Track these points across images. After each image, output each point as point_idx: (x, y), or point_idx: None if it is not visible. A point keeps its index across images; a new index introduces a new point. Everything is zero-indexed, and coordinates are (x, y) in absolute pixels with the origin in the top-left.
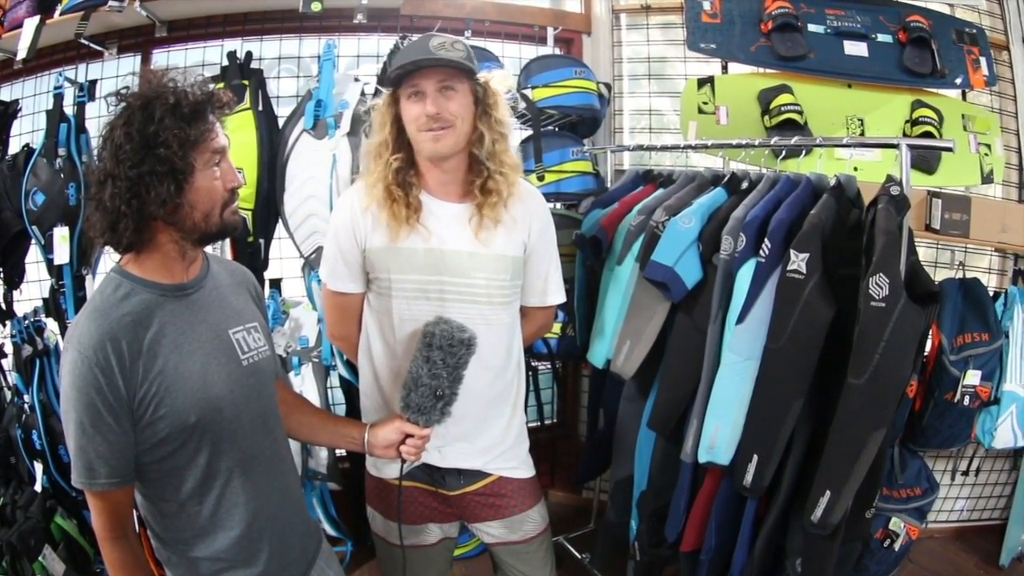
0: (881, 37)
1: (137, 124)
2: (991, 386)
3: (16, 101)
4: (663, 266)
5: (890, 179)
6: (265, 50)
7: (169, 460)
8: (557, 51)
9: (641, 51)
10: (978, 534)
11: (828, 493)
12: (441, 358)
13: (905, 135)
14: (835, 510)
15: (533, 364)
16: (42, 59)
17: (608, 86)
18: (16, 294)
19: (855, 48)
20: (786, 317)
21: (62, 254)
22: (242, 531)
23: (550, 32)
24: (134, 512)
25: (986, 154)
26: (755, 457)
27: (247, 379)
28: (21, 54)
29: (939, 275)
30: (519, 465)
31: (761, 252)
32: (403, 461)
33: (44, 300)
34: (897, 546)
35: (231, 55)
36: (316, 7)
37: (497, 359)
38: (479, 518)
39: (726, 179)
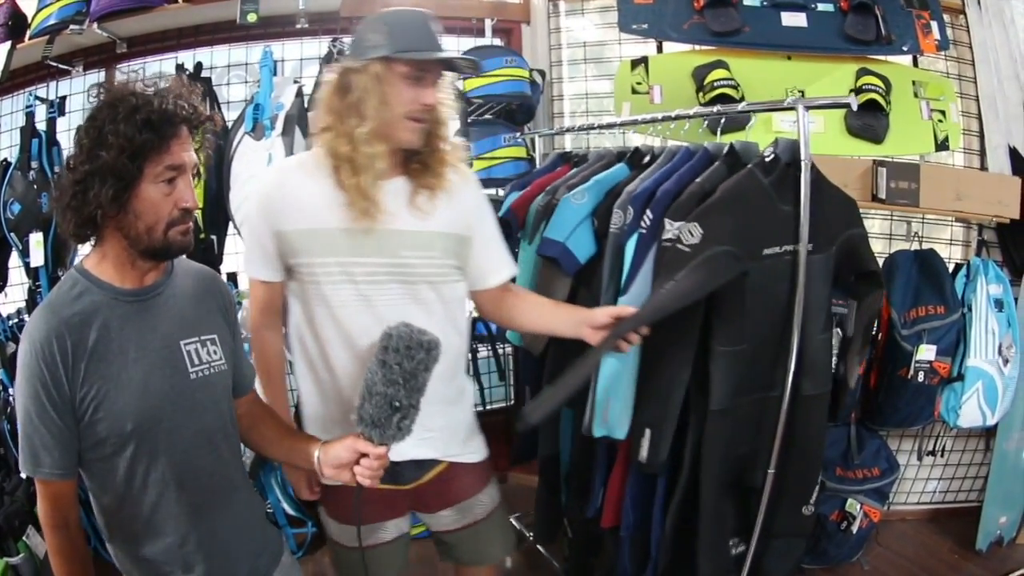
0: (821, 7)
1: (99, 121)
2: (950, 361)
3: None
4: (554, 242)
5: (776, 143)
6: (216, 59)
7: (108, 461)
8: (497, 42)
9: (580, 36)
10: (953, 517)
11: (648, 431)
12: (397, 362)
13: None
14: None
15: (473, 347)
16: (16, 79)
17: (542, 72)
18: (1, 296)
19: (793, 19)
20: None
21: (37, 257)
22: (175, 541)
23: (487, 23)
24: (78, 504)
25: (940, 120)
26: (647, 431)
27: (193, 393)
28: None
29: (895, 247)
30: (475, 449)
31: (642, 224)
32: (359, 487)
33: (27, 301)
34: (855, 528)
35: (179, 67)
36: (251, 18)
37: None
38: (430, 508)
39: (629, 155)
